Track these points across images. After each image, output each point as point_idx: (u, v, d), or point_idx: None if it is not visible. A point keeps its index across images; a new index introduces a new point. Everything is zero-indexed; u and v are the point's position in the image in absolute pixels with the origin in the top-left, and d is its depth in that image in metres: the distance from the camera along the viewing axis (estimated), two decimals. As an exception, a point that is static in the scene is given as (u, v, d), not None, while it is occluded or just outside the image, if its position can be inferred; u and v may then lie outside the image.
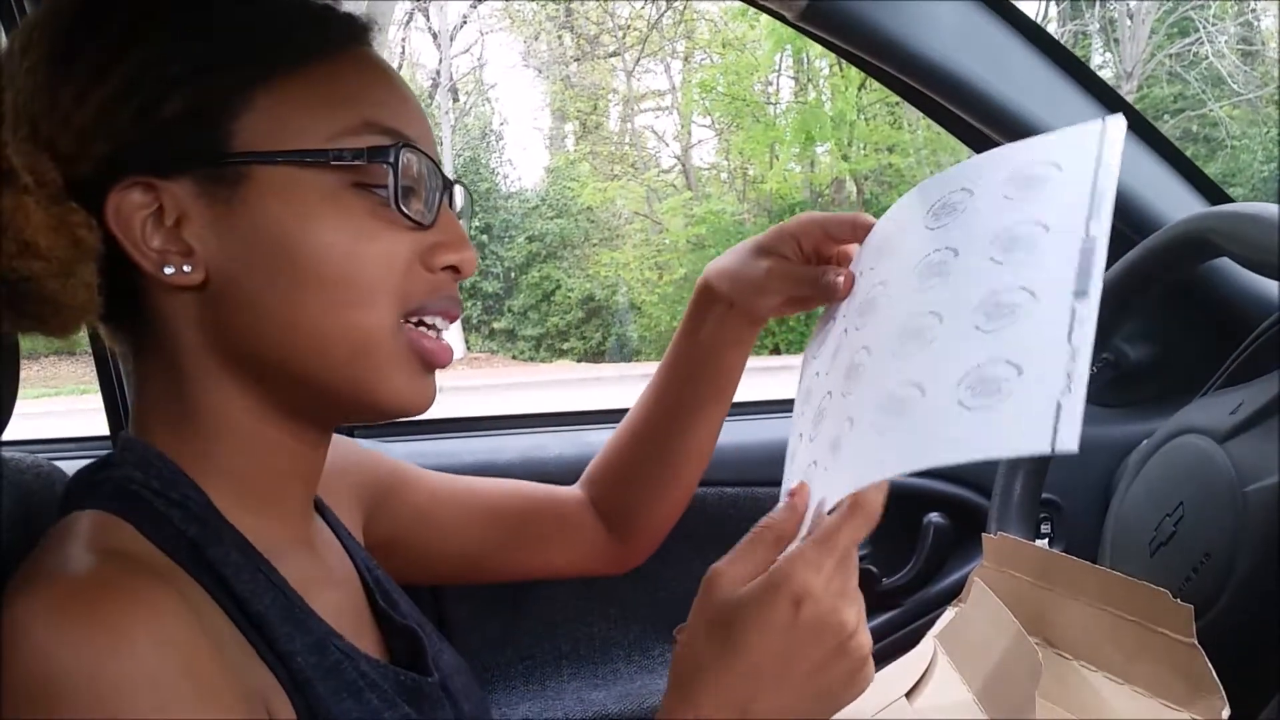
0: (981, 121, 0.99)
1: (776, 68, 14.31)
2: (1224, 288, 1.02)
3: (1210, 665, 0.58)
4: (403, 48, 15.41)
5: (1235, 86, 12.51)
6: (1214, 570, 0.73)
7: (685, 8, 14.77)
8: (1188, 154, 1.04)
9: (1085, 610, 0.67)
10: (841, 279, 0.64)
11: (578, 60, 16.00)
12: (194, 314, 0.54)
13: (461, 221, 0.63)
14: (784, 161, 13.51)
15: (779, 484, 0.62)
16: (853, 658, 0.50)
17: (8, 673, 0.43)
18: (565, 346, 13.40)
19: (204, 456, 0.56)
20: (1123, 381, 1.12)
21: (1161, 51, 12.74)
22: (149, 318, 0.55)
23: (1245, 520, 0.72)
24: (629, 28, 15.36)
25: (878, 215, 0.65)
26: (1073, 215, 0.48)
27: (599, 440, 0.89)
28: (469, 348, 13.24)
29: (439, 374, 0.61)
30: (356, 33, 0.57)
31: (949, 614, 0.79)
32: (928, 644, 0.76)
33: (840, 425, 0.54)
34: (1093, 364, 0.61)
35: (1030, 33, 0.98)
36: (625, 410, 0.86)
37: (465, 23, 15.81)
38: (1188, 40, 12.54)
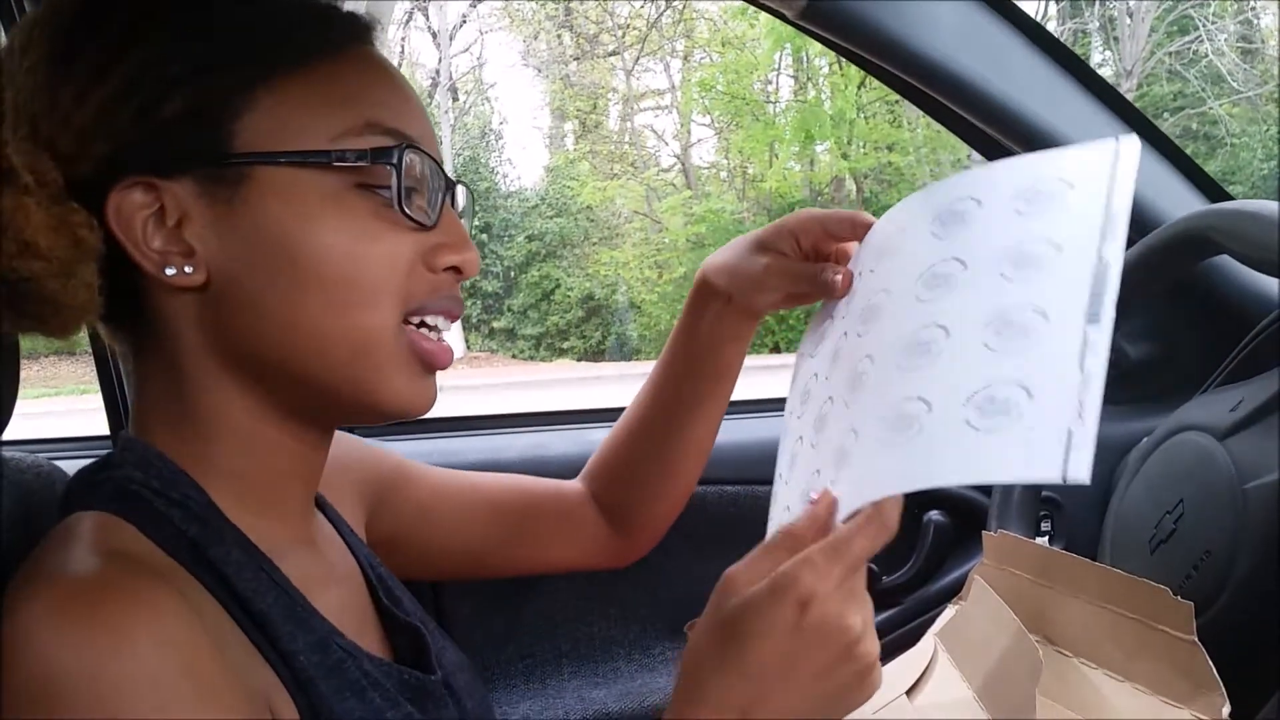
0: (981, 120, 0.99)
1: (776, 66, 14.31)
2: (1224, 285, 1.02)
3: (1210, 663, 0.58)
4: (402, 47, 15.41)
5: (1235, 84, 12.50)
6: (1214, 568, 0.73)
7: (684, 7, 14.76)
8: (1187, 152, 1.04)
9: (1085, 608, 0.67)
10: (840, 277, 0.63)
11: (577, 59, 16.00)
12: (195, 314, 0.54)
13: (463, 221, 0.63)
14: (783, 160, 13.51)
15: (779, 482, 0.62)
16: (859, 663, 0.49)
17: (9, 674, 0.42)
18: (565, 345, 13.41)
19: (204, 457, 0.56)
20: (1123, 379, 1.12)
21: (1161, 49, 12.74)
22: (149, 318, 0.55)
23: (1245, 518, 0.72)
24: (628, 27, 15.36)
25: (877, 214, 0.65)
26: (1085, 237, 0.48)
27: (600, 439, 0.89)
28: (469, 347, 13.24)
29: (439, 373, 0.60)
30: (359, 32, 0.57)
31: (949, 612, 0.79)
32: (928, 642, 0.76)
33: (845, 436, 0.53)
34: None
35: (1030, 31, 0.98)
36: (626, 409, 0.86)
37: (464, 22, 15.82)
38: (1187, 38, 12.53)
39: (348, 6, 0.58)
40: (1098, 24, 13.28)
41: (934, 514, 1.19)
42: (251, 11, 0.54)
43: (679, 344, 0.79)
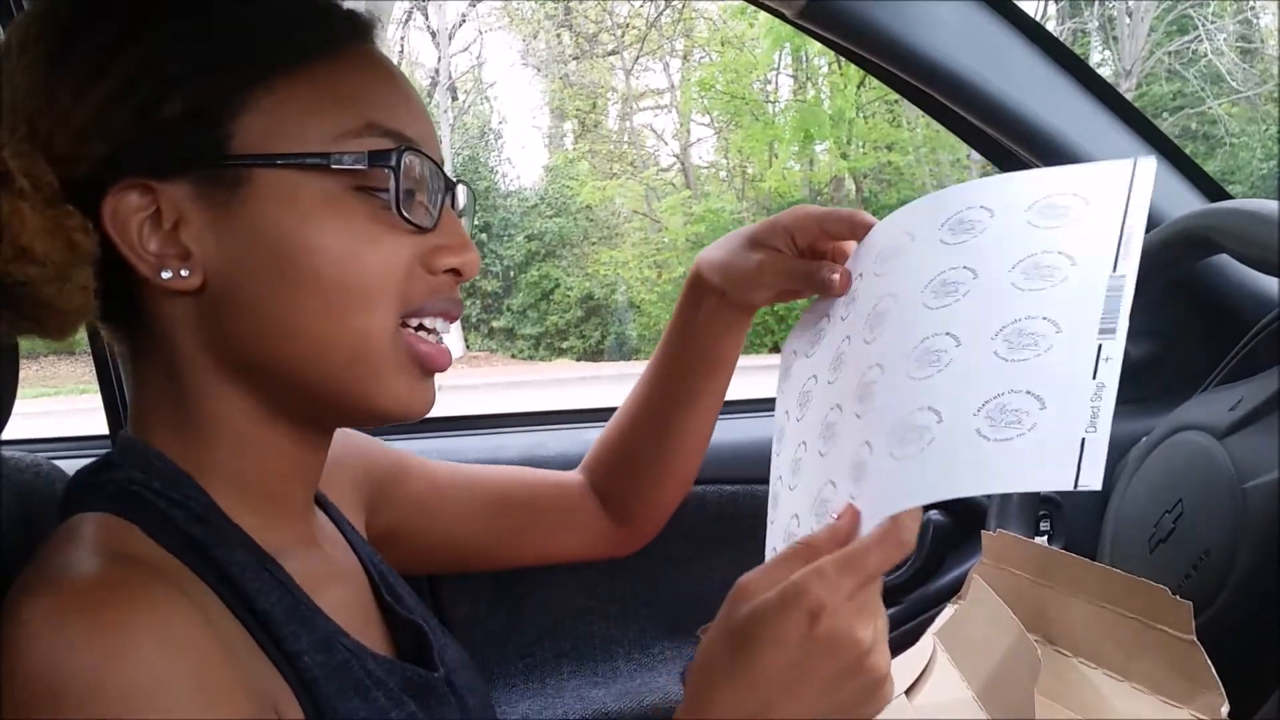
0: (980, 119, 0.99)
1: (775, 66, 14.30)
2: (1223, 284, 1.02)
3: (1209, 662, 0.58)
4: (401, 46, 15.39)
5: (1234, 84, 12.50)
6: (1213, 567, 0.73)
7: (684, 6, 14.76)
8: (1187, 151, 1.04)
9: (1085, 607, 0.67)
10: (838, 276, 0.63)
11: (576, 59, 15.98)
12: (192, 318, 0.54)
13: (464, 220, 0.62)
14: (783, 160, 13.50)
15: (778, 482, 0.62)
16: (869, 676, 0.48)
17: (13, 676, 0.42)
18: (564, 345, 13.40)
19: (204, 458, 0.56)
20: (1122, 378, 1.12)
21: (1160, 49, 12.74)
22: (146, 320, 0.55)
23: (1245, 517, 0.72)
24: (628, 26, 15.34)
25: (877, 214, 0.65)
26: (1100, 251, 0.48)
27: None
28: (468, 346, 13.24)
29: (439, 374, 0.60)
30: (359, 30, 0.57)
31: (949, 611, 0.79)
32: (927, 641, 0.76)
33: (860, 449, 0.53)
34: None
35: (1029, 30, 0.98)
36: (624, 401, 0.85)
37: (464, 21, 15.80)
38: (1187, 38, 12.53)
39: (347, 4, 0.58)
40: (1097, 23, 13.28)
41: (933, 513, 1.19)
42: (251, 10, 0.54)
43: (674, 338, 0.79)
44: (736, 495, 1.19)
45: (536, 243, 13.72)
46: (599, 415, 1.30)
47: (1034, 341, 0.47)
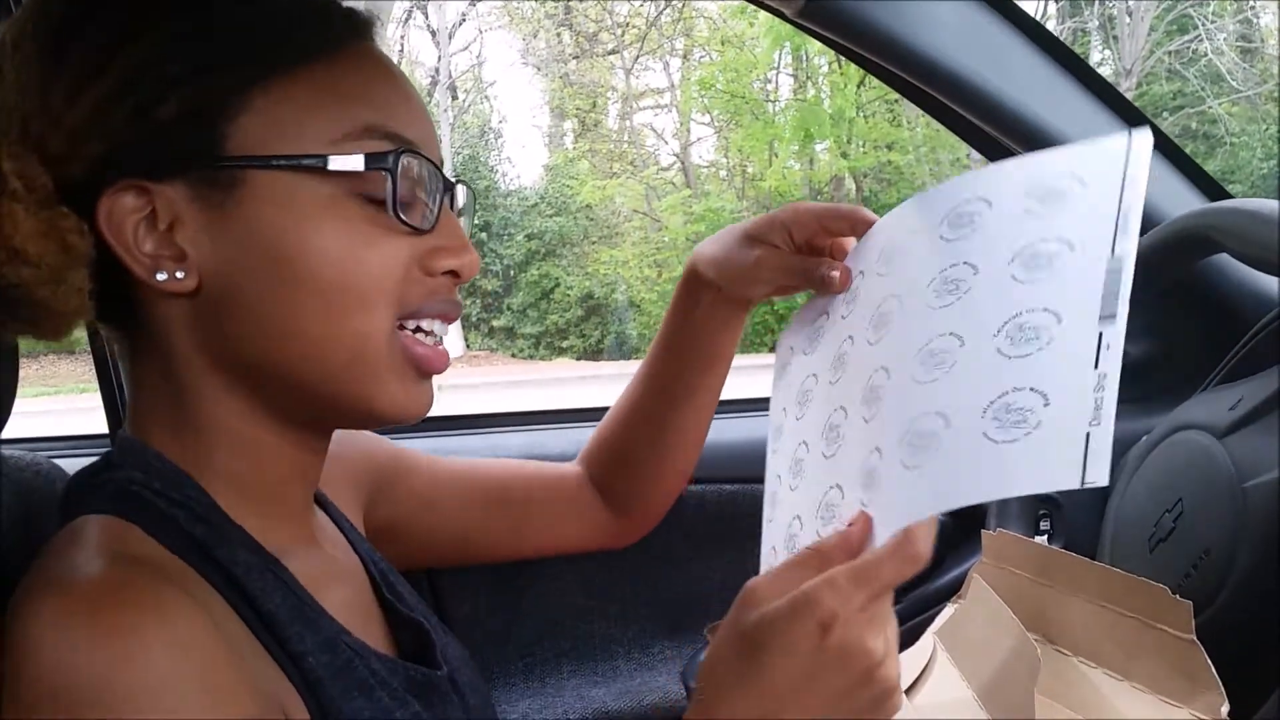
0: (981, 118, 0.98)
1: (775, 65, 14.29)
2: (1223, 284, 1.02)
3: (1209, 661, 0.58)
4: (401, 45, 15.39)
5: (1234, 84, 12.50)
6: (1213, 566, 0.73)
7: (684, 5, 14.75)
8: (1187, 151, 1.04)
9: (1085, 607, 0.67)
10: (838, 273, 0.63)
11: (576, 58, 15.98)
12: (188, 319, 0.53)
13: (464, 219, 0.62)
14: (783, 159, 13.50)
15: (778, 481, 0.62)
16: (878, 687, 0.48)
17: (21, 680, 0.42)
18: (564, 344, 13.40)
19: (202, 459, 0.55)
20: (1122, 377, 1.12)
21: (1160, 49, 12.73)
22: (143, 321, 0.54)
23: (1245, 516, 0.72)
24: (628, 25, 15.34)
25: (878, 212, 0.64)
26: (1098, 234, 0.47)
27: (598, 438, 0.89)
28: (468, 346, 13.23)
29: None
30: (358, 28, 0.56)
31: (948, 611, 0.79)
32: (927, 640, 0.76)
33: (871, 455, 0.52)
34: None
35: (1029, 29, 0.98)
36: (621, 394, 0.85)
37: (464, 20, 15.80)
38: (1187, 37, 12.53)
39: (346, 3, 0.58)
40: (1097, 23, 13.27)
41: (933, 513, 1.19)
42: (249, 10, 0.53)
43: (670, 334, 0.79)
44: (736, 494, 1.19)
45: (536, 242, 13.72)
46: (599, 414, 1.29)
47: (1036, 335, 0.46)
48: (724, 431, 1.24)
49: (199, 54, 0.51)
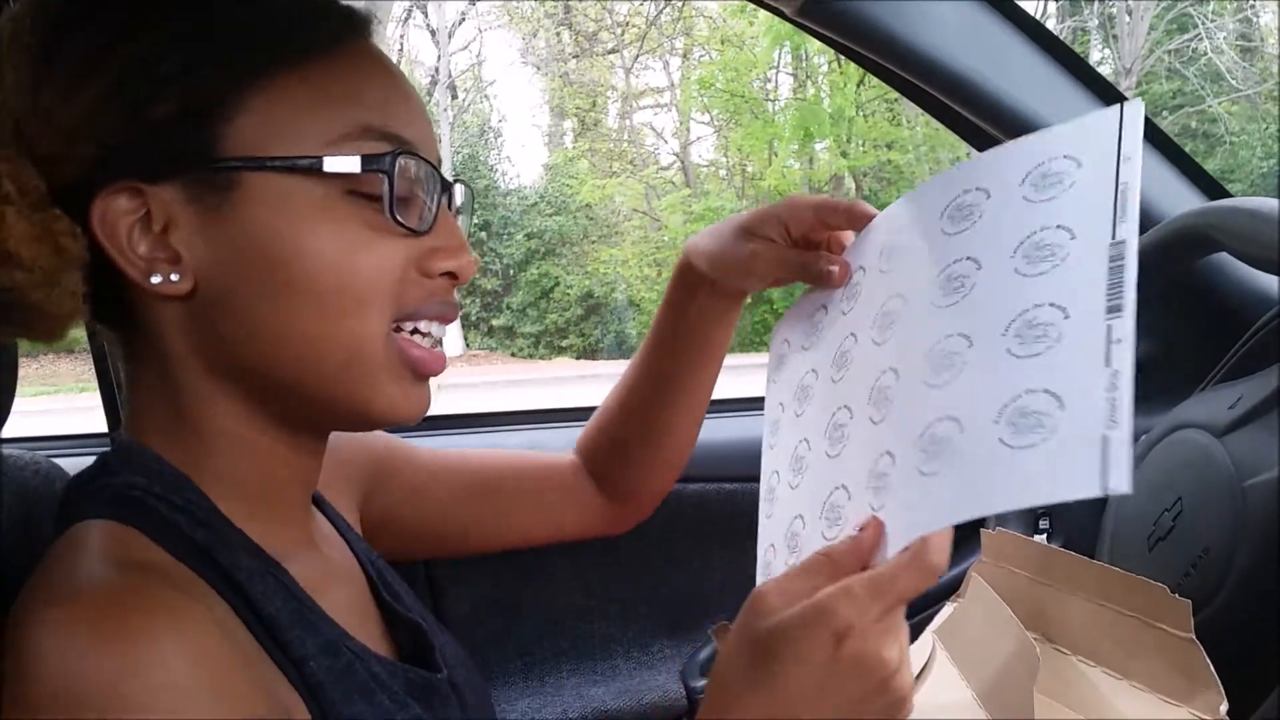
0: (981, 118, 0.98)
1: (775, 64, 14.28)
2: (1223, 283, 1.02)
3: (1208, 660, 0.58)
4: (401, 44, 15.39)
5: (1234, 82, 12.50)
6: (1213, 565, 0.73)
7: (684, 5, 14.75)
8: (1187, 150, 1.04)
9: (1084, 606, 0.67)
10: (837, 268, 0.62)
11: (576, 57, 15.97)
12: (183, 322, 0.53)
13: (463, 218, 0.61)
14: (782, 158, 13.49)
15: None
16: (892, 696, 0.47)
17: (30, 689, 0.42)
18: (564, 343, 13.39)
19: (200, 462, 0.55)
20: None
21: (1160, 48, 12.73)
22: (138, 323, 0.54)
23: (1244, 515, 0.72)
24: (627, 25, 15.34)
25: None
26: (1097, 218, 0.46)
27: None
28: (468, 345, 13.23)
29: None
30: (356, 26, 0.55)
31: (947, 609, 0.79)
32: (926, 639, 0.76)
33: (881, 459, 0.51)
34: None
35: (1029, 28, 0.98)
36: (615, 384, 0.85)
37: (463, 20, 15.79)
38: (1186, 36, 12.53)
39: (345, 1, 0.57)
40: (1097, 22, 13.27)
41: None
42: (246, 8, 0.52)
43: (663, 327, 0.78)
44: (736, 493, 1.19)
45: (536, 241, 13.71)
46: (599, 414, 1.30)
47: (1044, 333, 0.45)
48: (724, 430, 1.24)
49: (195, 53, 0.50)
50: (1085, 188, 0.47)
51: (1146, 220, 0.98)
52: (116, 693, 0.41)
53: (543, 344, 13.51)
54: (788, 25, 0.96)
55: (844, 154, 13.19)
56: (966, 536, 1.19)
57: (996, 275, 0.49)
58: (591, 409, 1.32)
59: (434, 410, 0.61)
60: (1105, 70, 12.18)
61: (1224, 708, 0.57)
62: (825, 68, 13.67)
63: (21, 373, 0.62)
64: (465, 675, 0.68)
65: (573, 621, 1.18)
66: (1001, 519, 0.93)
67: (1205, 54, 12.35)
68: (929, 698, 0.70)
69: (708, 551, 1.20)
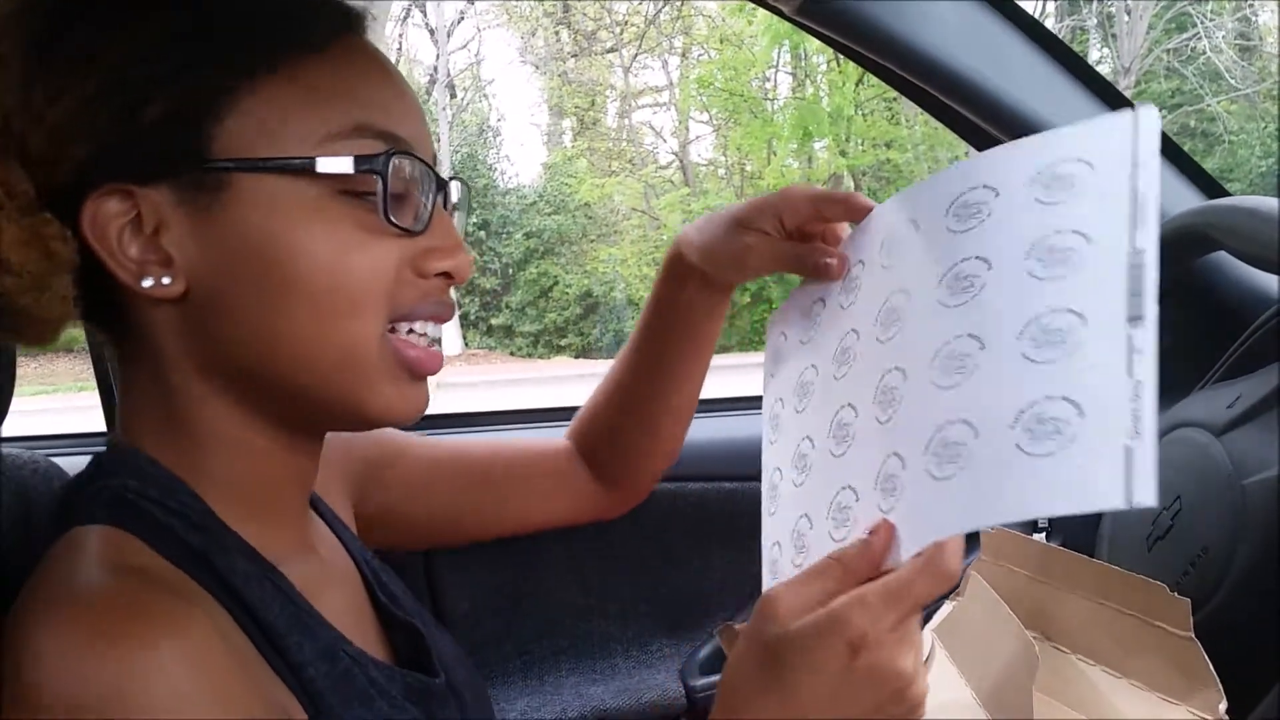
0: (980, 117, 0.98)
1: (774, 63, 14.29)
2: (1222, 282, 1.02)
3: (1207, 659, 0.58)
4: (400, 44, 15.38)
5: (1233, 82, 12.51)
6: (1211, 564, 0.73)
7: (683, 4, 14.75)
8: (1185, 149, 1.04)
9: (1083, 604, 0.67)
10: (834, 261, 0.61)
11: (575, 56, 15.97)
12: (176, 324, 0.52)
13: (459, 214, 0.61)
14: (781, 157, 13.49)
15: (777, 479, 0.61)
16: (906, 704, 0.47)
17: (29, 697, 0.42)
18: (563, 342, 13.39)
19: (195, 464, 0.54)
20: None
21: (1159, 47, 12.74)
22: (130, 325, 0.53)
23: (1243, 514, 0.72)
24: (626, 24, 15.34)
25: None
26: (1114, 225, 0.45)
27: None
28: (467, 344, 13.22)
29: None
30: (350, 22, 0.54)
31: (947, 608, 0.79)
32: (925, 638, 0.76)
33: (889, 460, 0.50)
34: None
35: (1028, 27, 0.98)
36: (608, 371, 0.85)
37: (462, 19, 15.78)
38: (1185, 35, 12.53)
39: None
40: (1095, 21, 13.28)
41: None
42: (237, 5, 0.51)
43: (653, 318, 0.78)
44: (735, 492, 1.19)
45: (535, 240, 13.71)
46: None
47: (1061, 339, 0.44)
48: (723, 430, 1.24)
49: (185, 53, 0.49)
50: (1100, 193, 0.47)
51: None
52: (116, 700, 0.41)
53: (541, 343, 13.51)
54: (787, 24, 0.96)
55: (843, 153, 13.19)
56: (966, 535, 1.19)
57: (1008, 276, 0.48)
58: (590, 408, 1.32)
59: (433, 409, 0.61)
60: (1104, 69, 12.18)
61: (1223, 706, 0.57)
62: (824, 67, 13.67)
63: (20, 372, 0.62)
64: (464, 675, 0.67)
65: (572, 620, 1.18)
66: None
67: (1204, 53, 12.36)
68: (928, 697, 0.70)
69: (707, 551, 1.20)
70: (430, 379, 0.59)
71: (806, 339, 0.63)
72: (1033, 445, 0.43)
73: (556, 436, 0.88)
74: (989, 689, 0.65)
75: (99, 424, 1.23)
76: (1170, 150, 1.04)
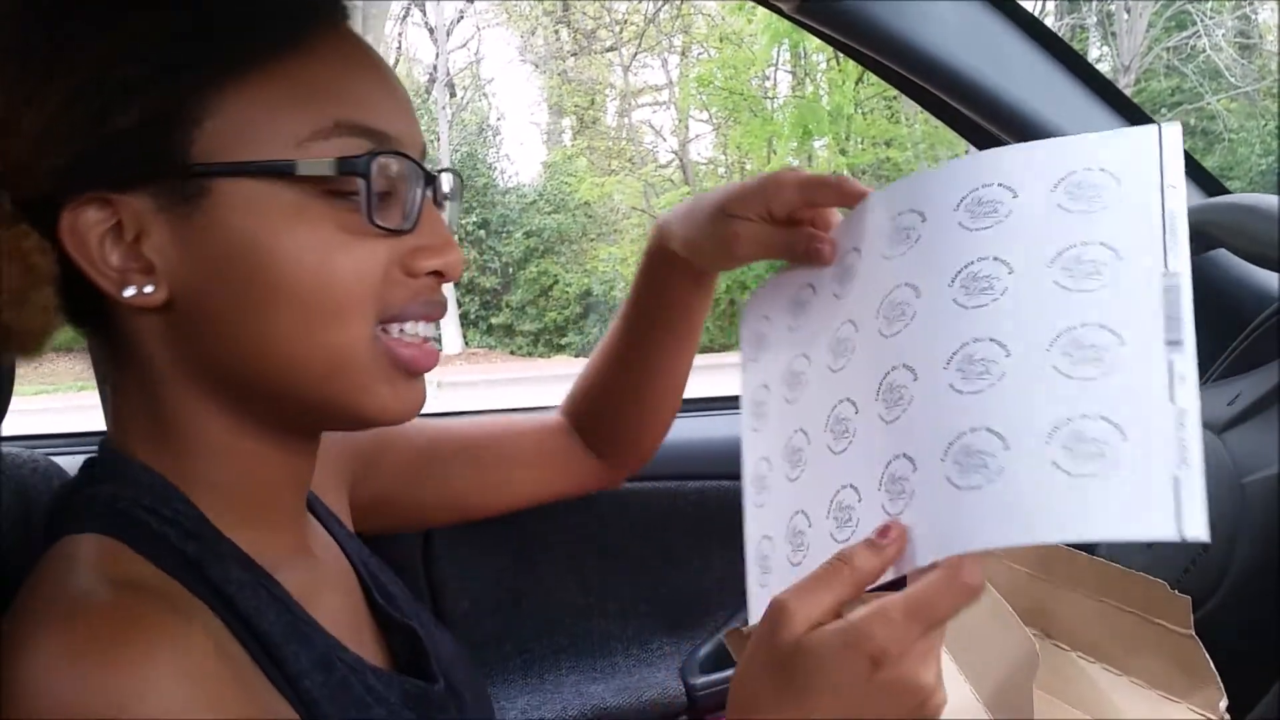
0: (979, 115, 0.98)
1: (773, 62, 14.28)
2: (1222, 280, 1.02)
3: (1208, 656, 0.58)
4: (399, 43, 15.39)
5: (1233, 80, 12.50)
6: (1212, 562, 0.73)
7: (682, 2, 14.74)
8: (1185, 147, 1.04)
9: (1083, 602, 0.67)
10: (826, 246, 0.60)
11: (575, 55, 15.97)
12: (162, 332, 0.51)
13: (452, 205, 0.59)
14: (781, 156, 13.48)
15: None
16: (925, 716, 0.46)
17: (22, 709, 0.41)
18: (563, 341, 13.39)
19: (187, 470, 0.53)
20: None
21: (1159, 45, 12.73)
22: (117, 331, 0.52)
23: (1244, 512, 0.72)
24: (626, 22, 15.34)
25: None
26: (1146, 244, 0.45)
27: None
28: (467, 343, 13.23)
29: (438, 370, 0.58)
30: (330, 13, 0.52)
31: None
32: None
33: (897, 462, 0.49)
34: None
35: (1028, 26, 0.98)
36: (598, 346, 0.85)
37: (462, 18, 15.79)
38: (1185, 34, 12.53)
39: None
40: (1095, 19, 13.28)
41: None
42: (211, 4, 0.49)
43: (637, 307, 0.77)
44: (735, 491, 1.18)
45: (535, 239, 13.71)
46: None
47: (1097, 355, 0.43)
48: (722, 428, 1.24)
49: (158, 55, 0.48)
50: (1128, 208, 0.46)
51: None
52: (112, 714, 0.40)
53: (542, 342, 13.52)
54: (786, 23, 0.96)
55: (843, 151, 13.18)
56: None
57: (1032, 283, 0.47)
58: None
59: (433, 409, 0.60)
60: (1104, 67, 12.18)
61: (1223, 704, 0.57)
62: (824, 65, 13.67)
63: (20, 371, 0.62)
64: (463, 675, 0.67)
65: (572, 619, 1.18)
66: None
67: (1204, 51, 12.35)
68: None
69: (707, 549, 1.20)
70: (430, 378, 0.58)
71: (795, 326, 0.61)
72: (1072, 464, 0.42)
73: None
74: (989, 687, 0.65)
75: (99, 424, 1.23)
76: (1170, 148, 1.04)
